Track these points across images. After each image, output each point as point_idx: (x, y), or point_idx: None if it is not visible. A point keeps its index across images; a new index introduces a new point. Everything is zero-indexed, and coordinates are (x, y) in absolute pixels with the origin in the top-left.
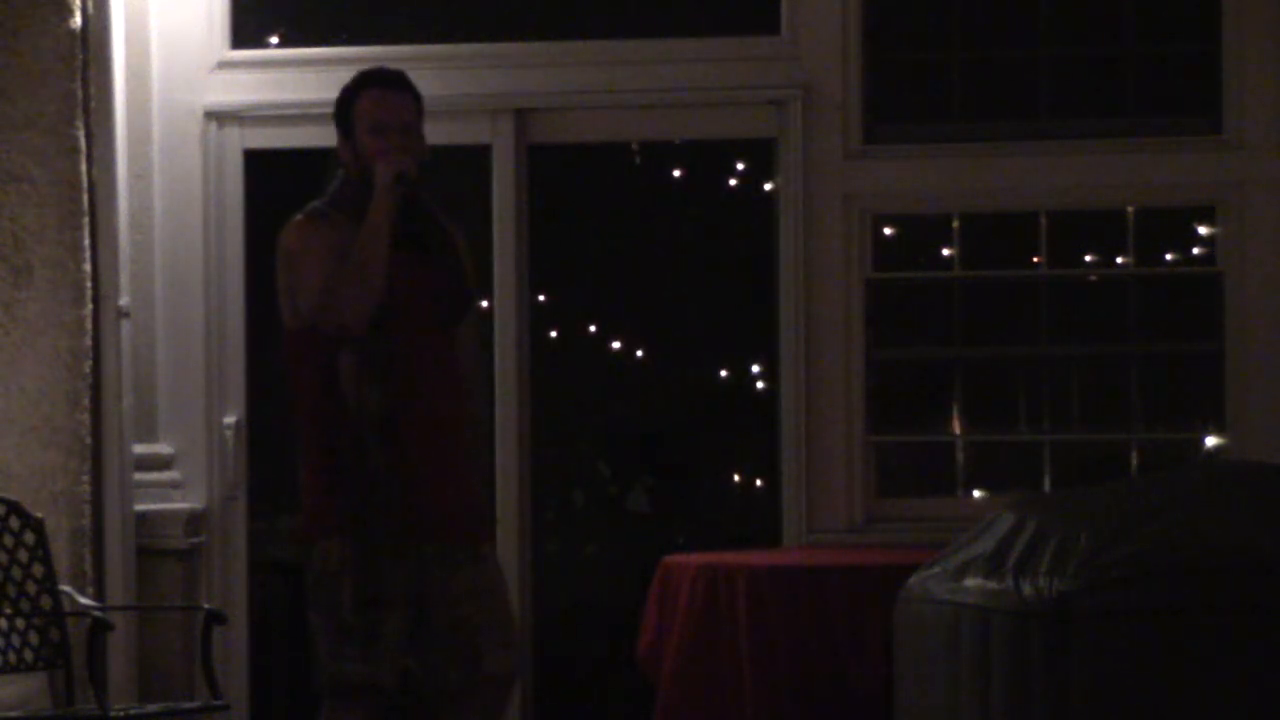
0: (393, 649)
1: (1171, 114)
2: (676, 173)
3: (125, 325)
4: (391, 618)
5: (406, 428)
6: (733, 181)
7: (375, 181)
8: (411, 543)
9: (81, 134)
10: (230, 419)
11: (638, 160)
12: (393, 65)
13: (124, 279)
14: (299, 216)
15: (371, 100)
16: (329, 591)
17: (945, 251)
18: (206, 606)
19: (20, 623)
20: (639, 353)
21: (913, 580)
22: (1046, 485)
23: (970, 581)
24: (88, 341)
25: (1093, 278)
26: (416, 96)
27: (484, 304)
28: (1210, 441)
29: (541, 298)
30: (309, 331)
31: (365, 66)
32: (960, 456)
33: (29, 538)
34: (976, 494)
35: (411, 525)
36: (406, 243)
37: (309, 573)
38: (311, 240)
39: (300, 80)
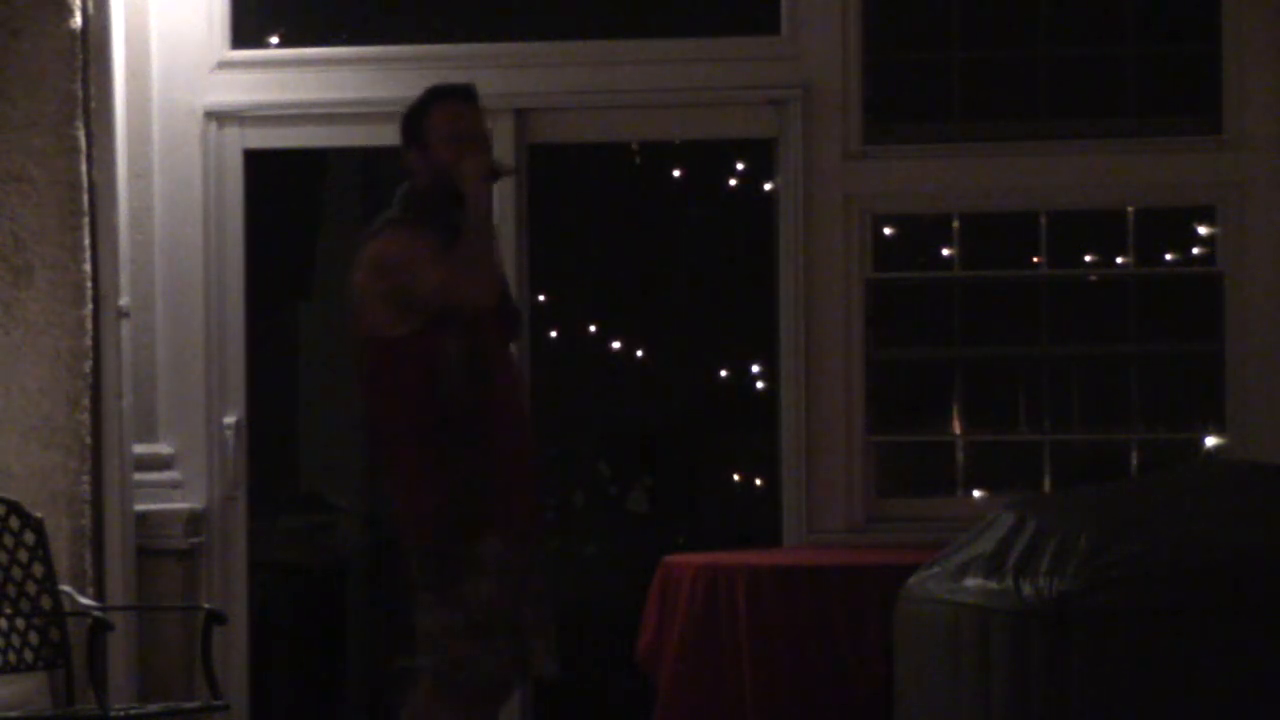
0: (520, 641)
1: (1171, 114)
2: (676, 173)
3: (125, 325)
4: (514, 613)
5: (503, 429)
6: (733, 181)
7: (466, 178)
8: (507, 541)
9: (81, 134)
10: (230, 419)
11: (638, 160)
12: (393, 65)
13: (124, 279)
14: (383, 227)
15: (446, 113)
16: (457, 588)
17: (945, 251)
18: (206, 606)
19: (20, 623)
20: (639, 353)
21: (913, 580)
22: (1046, 485)
23: (970, 581)
24: (88, 341)
25: (1093, 278)
26: (479, 103)
27: None
28: (1210, 441)
29: (541, 298)
30: (414, 338)
31: (365, 68)
32: (960, 456)
33: (29, 538)
34: (976, 494)
35: (512, 524)
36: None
37: (442, 571)
38: (412, 243)
39: (300, 80)
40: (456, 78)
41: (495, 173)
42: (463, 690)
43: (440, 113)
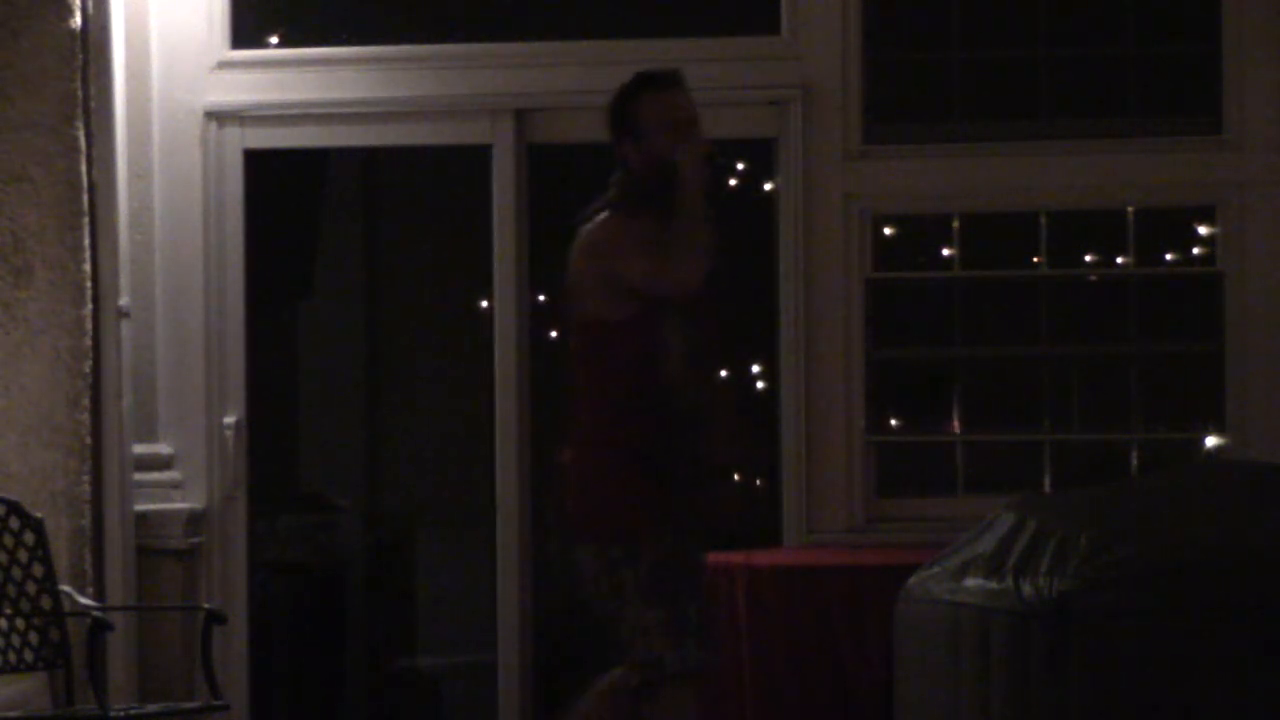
0: (700, 636)
1: (1171, 114)
2: None
3: (125, 325)
4: (696, 607)
5: (711, 421)
6: (733, 181)
7: (684, 163)
8: (707, 533)
9: (81, 134)
10: (230, 419)
11: None
12: (393, 65)
13: (124, 279)
14: (598, 214)
15: (658, 101)
16: (656, 583)
17: (945, 251)
18: (206, 606)
19: (20, 623)
20: None
21: (913, 580)
22: (1046, 485)
23: (970, 581)
24: (88, 341)
25: (1093, 278)
26: (686, 86)
27: (483, 304)
28: (1210, 441)
29: (541, 298)
30: (627, 324)
31: (365, 68)
32: (960, 456)
33: (29, 538)
34: (976, 494)
35: (710, 514)
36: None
37: (626, 567)
38: (626, 229)
39: (300, 80)
40: (457, 78)
41: (711, 156)
42: (663, 688)
43: (651, 100)
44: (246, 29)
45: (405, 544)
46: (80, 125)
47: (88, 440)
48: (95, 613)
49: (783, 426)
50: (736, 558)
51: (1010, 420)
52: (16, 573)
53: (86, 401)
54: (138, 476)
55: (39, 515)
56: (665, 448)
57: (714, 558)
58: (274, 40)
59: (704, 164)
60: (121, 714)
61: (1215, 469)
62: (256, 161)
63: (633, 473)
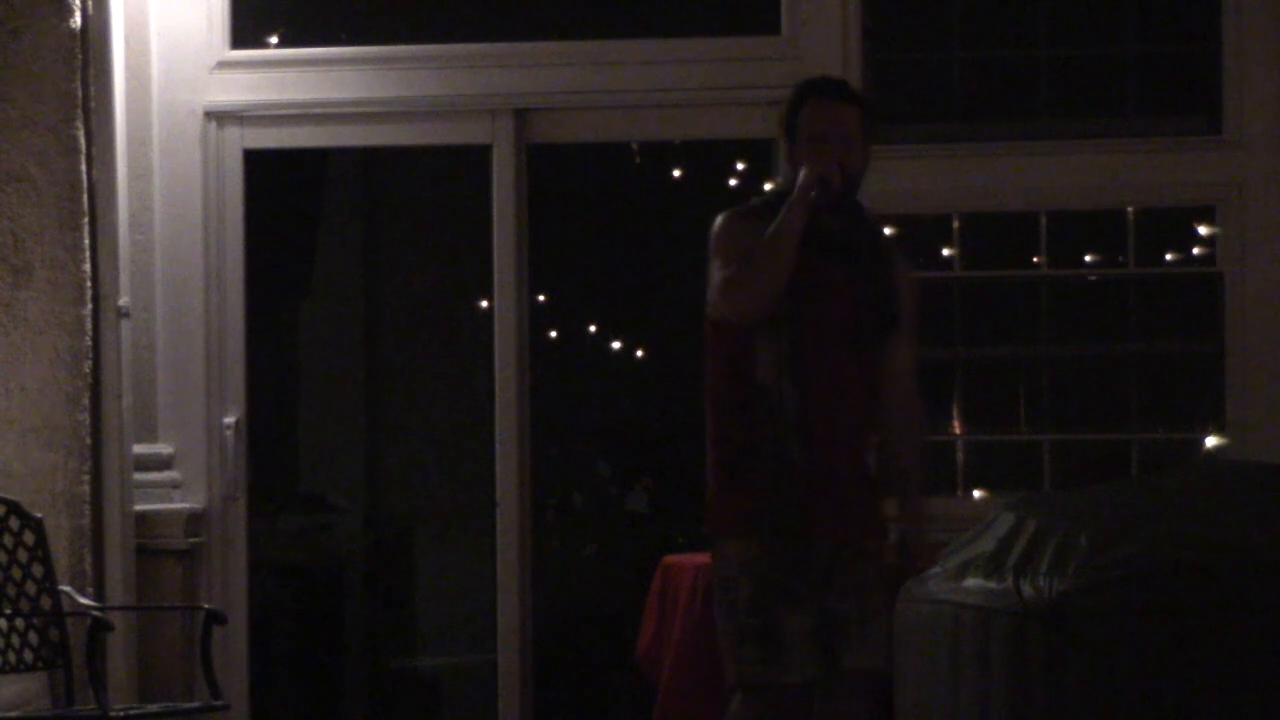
0: (797, 648)
1: (1171, 114)
2: (676, 173)
3: (125, 325)
4: (794, 617)
5: (818, 429)
6: (733, 181)
7: (798, 184)
8: (811, 541)
9: (81, 134)
10: (230, 419)
11: (638, 160)
12: (393, 65)
13: (124, 279)
14: (734, 209)
15: (814, 110)
16: (727, 592)
17: (945, 251)
18: (206, 606)
19: (20, 623)
20: (639, 353)
21: (913, 580)
22: (1046, 485)
23: (970, 581)
24: (88, 341)
25: (1093, 278)
26: (864, 105)
27: (483, 304)
28: (1210, 441)
29: (541, 298)
30: (725, 323)
31: (365, 68)
32: (960, 456)
33: (29, 538)
34: (976, 494)
35: (811, 524)
36: (835, 249)
37: (714, 571)
38: (732, 233)
39: (300, 80)
40: (457, 78)
41: (826, 184)
42: (738, 689)
43: (809, 109)
44: (246, 29)
45: (405, 544)
46: (80, 125)
47: (88, 440)
48: (95, 613)
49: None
50: None
51: (1010, 420)
52: (16, 573)
53: (86, 401)
54: (138, 476)
55: (39, 515)
56: (756, 453)
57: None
58: (274, 40)
59: (813, 187)
60: (121, 714)
61: (1215, 469)
62: (256, 161)
63: (725, 475)
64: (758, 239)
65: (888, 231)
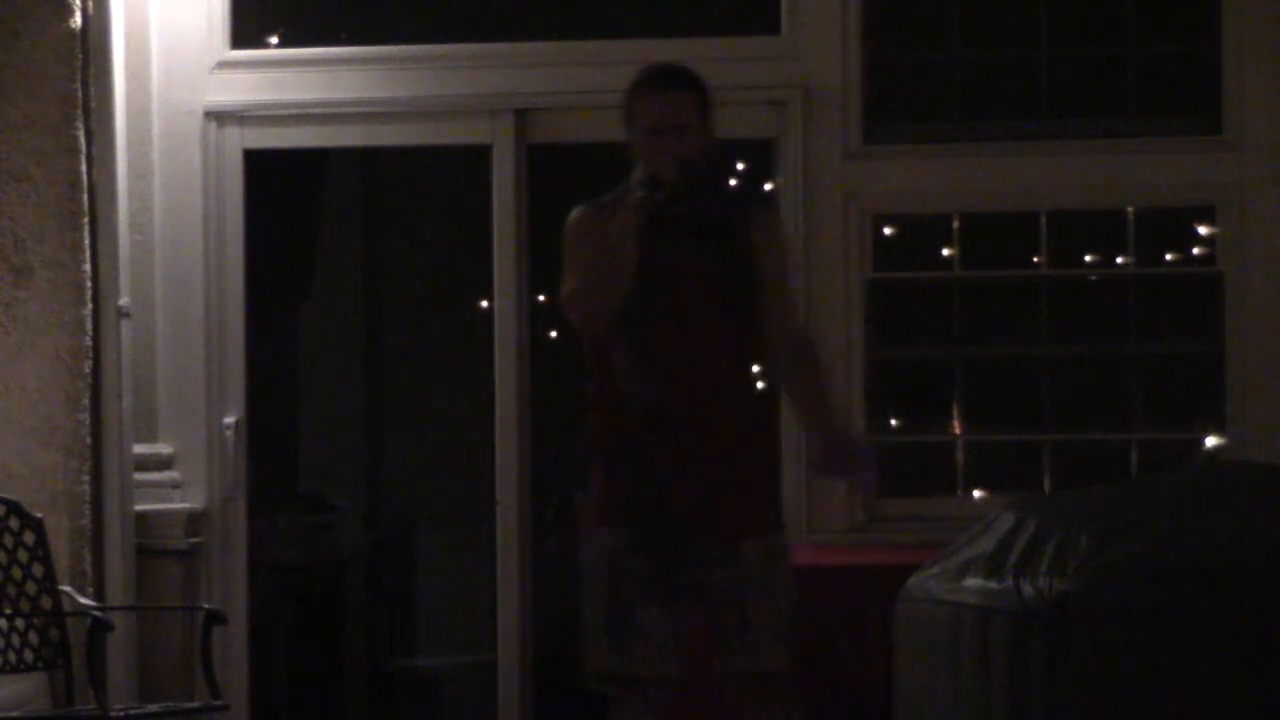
0: (652, 643)
1: (1171, 114)
2: None
3: (125, 325)
4: (652, 610)
5: (677, 419)
6: (733, 181)
7: (638, 179)
8: (681, 537)
9: (81, 134)
10: (230, 419)
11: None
12: (393, 65)
13: (124, 279)
14: (581, 206)
15: (646, 101)
16: (591, 583)
17: (945, 251)
18: (206, 606)
19: (20, 623)
20: None
21: (913, 580)
22: (1046, 485)
23: (970, 581)
24: (88, 341)
25: (1093, 278)
26: (700, 89)
27: (483, 304)
28: (1210, 441)
29: (541, 298)
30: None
31: (365, 68)
32: (960, 456)
33: (29, 538)
34: (976, 494)
35: (681, 519)
36: (684, 234)
37: (580, 563)
38: (580, 238)
39: (300, 80)
40: (457, 78)
41: (658, 182)
42: (594, 683)
43: (644, 99)
44: (246, 29)
45: (405, 544)
46: (80, 125)
47: (88, 440)
48: (95, 613)
49: (783, 426)
50: None
51: (1010, 420)
52: (16, 573)
53: (86, 401)
54: (138, 476)
55: (39, 515)
56: (621, 448)
57: None
58: (274, 40)
59: (643, 187)
60: (121, 714)
61: (1215, 469)
62: (256, 161)
63: (595, 469)
64: (588, 237)
65: (889, 231)
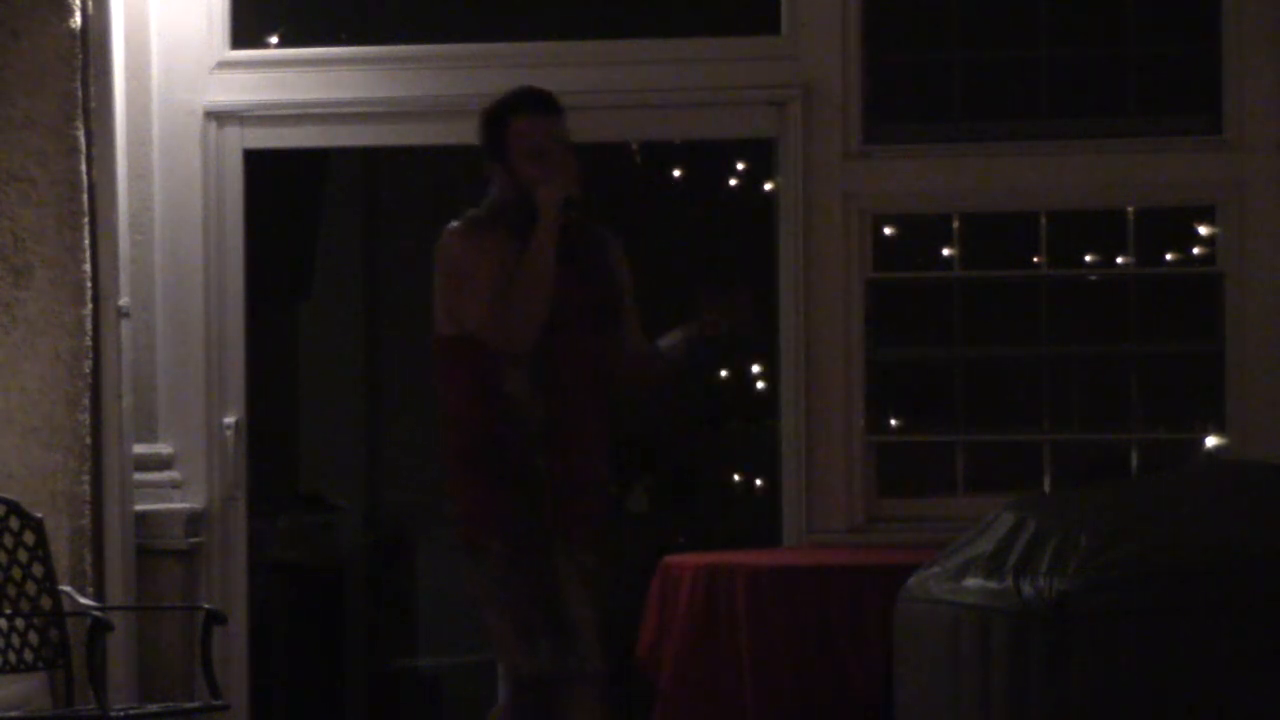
0: (576, 639)
1: (1171, 114)
2: (676, 173)
3: (125, 325)
4: (557, 613)
5: (566, 436)
6: (733, 181)
7: (540, 207)
8: (561, 545)
9: (81, 134)
10: (230, 419)
11: (638, 160)
12: (393, 65)
13: (124, 279)
14: (461, 223)
15: (527, 126)
16: (503, 590)
17: (945, 251)
18: (206, 606)
19: (20, 623)
20: None
21: (913, 580)
22: (1046, 485)
23: (970, 581)
24: (88, 341)
25: (1093, 278)
26: (563, 113)
27: None
28: (1210, 441)
29: None
30: (467, 340)
31: (365, 68)
32: (960, 456)
33: (29, 538)
34: (976, 494)
35: (560, 529)
36: (563, 256)
37: (477, 574)
38: (478, 250)
39: (300, 80)
40: (457, 78)
41: (569, 202)
42: (516, 687)
43: (521, 125)
44: (246, 29)
45: (405, 544)
46: (80, 125)
47: (88, 440)
48: (95, 613)
49: (782, 426)
50: (736, 558)
51: (1010, 420)
52: (16, 573)
53: (86, 401)
54: (138, 476)
55: (39, 515)
56: (503, 460)
57: (714, 558)
58: (274, 40)
59: (560, 209)
60: (121, 714)
61: (1215, 469)
62: (256, 161)
63: (477, 482)
64: (500, 255)
65: (889, 231)
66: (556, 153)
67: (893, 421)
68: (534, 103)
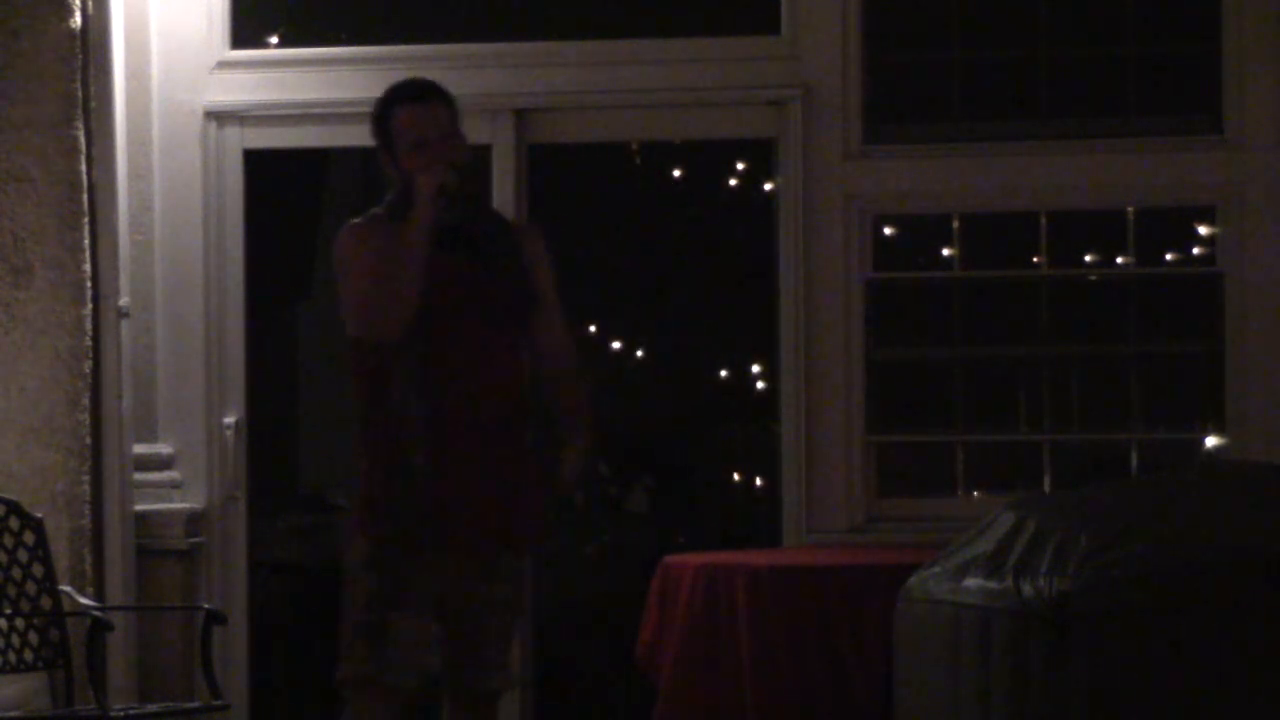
0: (406, 651)
1: (1171, 114)
2: (676, 173)
3: (125, 325)
4: (406, 620)
5: (448, 433)
6: (733, 181)
7: (416, 195)
8: (440, 548)
9: (81, 134)
10: (230, 419)
11: (638, 160)
12: (393, 65)
13: (124, 279)
14: (356, 221)
15: (408, 116)
16: (350, 588)
17: (945, 251)
18: (206, 606)
19: (20, 623)
20: (639, 353)
21: (913, 580)
22: (1046, 485)
23: (970, 581)
24: (88, 341)
25: (1093, 278)
26: (450, 101)
27: None
28: (1210, 441)
29: None
30: (358, 339)
31: (365, 68)
32: (960, 456)
33: (29, 538)
34: (976, 494)
35: (441, 531)
36: (457, 245)
37: (344, 566)
38: (357, 247)
39: (300, 80)
40: (457, 78)
41: (445, 191)
42: (341, 687)
43: (402, 116)
44: (246, 29)
45: None
46: (80, 125)
47: (88, 440)
48: (95, 613)
49: (782, 426)
50: (736, 558)
51: (1010, 420)
52: (16, 573)
53: (86, 401)
54: (138, 476)
55: (39, 515)
56: (383, 456)
57: (714, 558)
58: (274, 40)
59: (434, 197)
60: (121, 714)
61: (1215, 469)
62: (256, 161)
63: (365, 480)
64: (376, 249)
65: (889, 231)
66: (439, 141)
67: (893, 421)
68: (413, 93)
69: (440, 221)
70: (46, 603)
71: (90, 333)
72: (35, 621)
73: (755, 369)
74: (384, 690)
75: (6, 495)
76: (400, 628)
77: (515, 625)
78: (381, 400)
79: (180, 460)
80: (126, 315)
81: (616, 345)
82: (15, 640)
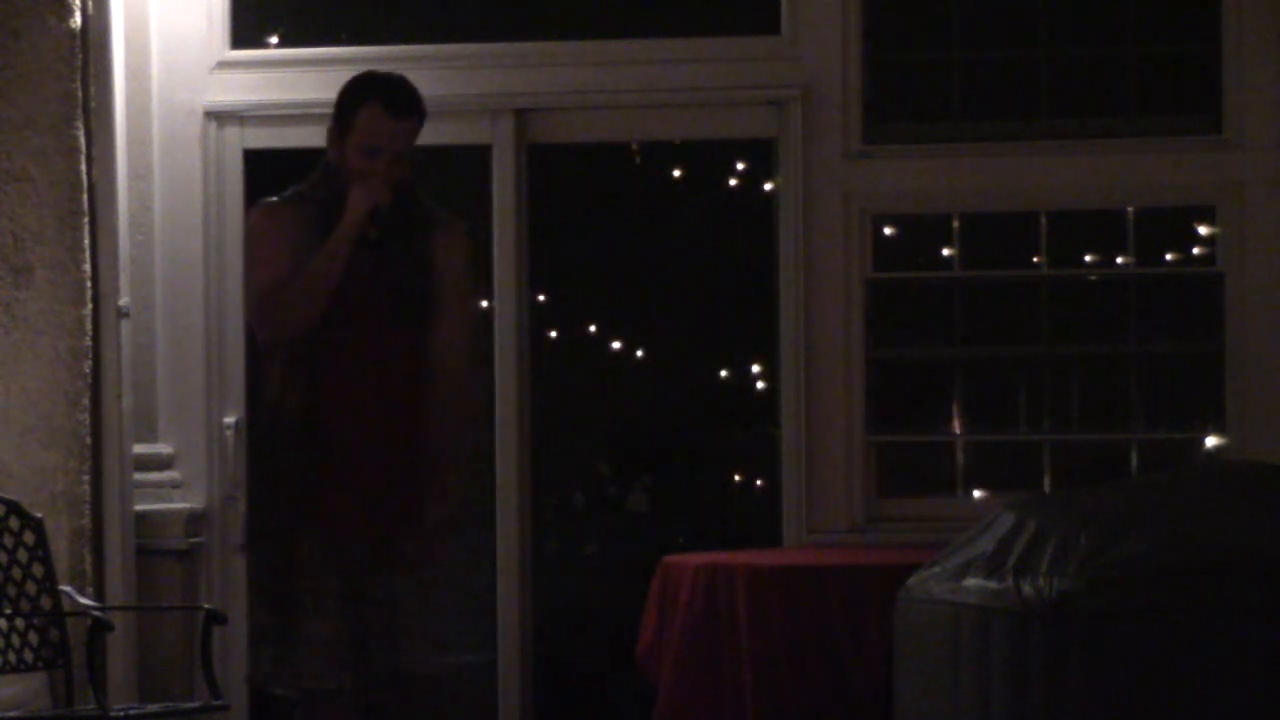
0: (313, 653)
1: (1171, 114)
2: (676, 173)
3: (125, 325)
4: (316, 622)
5: (332, 427)
6: (733, 181)
7: (348, 208)
8: (331, 544)
9: (81, 134)
10: (230, 419)
11: (638, 160)
12: (393, 65)
13: (124, 279)
14: (273, 200)
15: (372, 118)
16: (256, 591)
17: (945, 251)
18: (206, 606)
19: (20, 623)
20: (639, 353)
21: (913, 580)
22: (1046, 485)
23: (970, 581)
24: (88, 341)
25: (1093, 278)
26: (421, 116)
27: (483, 304)
28: (1210, 441)
29: (541, 298)
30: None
31: (365, 68)
32: (960, 456)
33: (29, 538)
34: (976, 494)
35: (331, 527)
36: (363, 241)
37: (253, 575)
38: (267, 232)
39: (300, 80)
40: (457, 78)
41: (378, 213)
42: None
43: (368, 115)
44: (246, 29)
45: None
46: (80, 125)
47: (88, 440)
48: (95, 613)
49: (783, 426)
50: (736, 558)
51: (1010, 420)
52: (16, 573)
53: (86, 401)
54: (138, 476)
55: (39, 515)
56: (268, 453)
57: (714, 558)
58: (274, 40)
59: (364, 218)
60: (121, 714)
61: (1215, 469)
62: (256, 161)
63: (265, 481)
64: (288, 237)
65: (889, 231)
66: (389, 157)
67: (892, 421)
68: (389, 99)
69: (362, 239)
70: (46, 603)
71: (90, 333)
72: (35, 621)
73: (755, 369)
74: (300, 692)
75: (6, 495)
76: (309, 630)
77: (432, 612)
78: (264, 392)
79: (180, 460)
80: (126, 315)
81: (616, 345)
82: (15, 640)
